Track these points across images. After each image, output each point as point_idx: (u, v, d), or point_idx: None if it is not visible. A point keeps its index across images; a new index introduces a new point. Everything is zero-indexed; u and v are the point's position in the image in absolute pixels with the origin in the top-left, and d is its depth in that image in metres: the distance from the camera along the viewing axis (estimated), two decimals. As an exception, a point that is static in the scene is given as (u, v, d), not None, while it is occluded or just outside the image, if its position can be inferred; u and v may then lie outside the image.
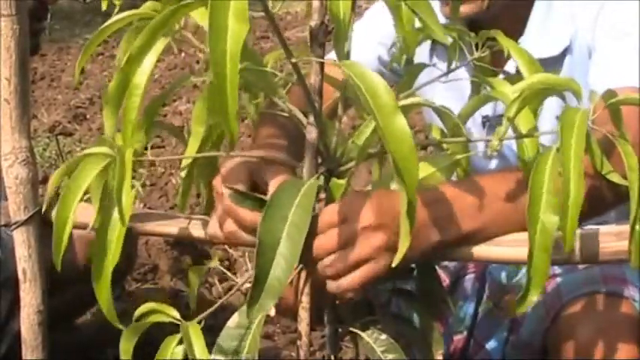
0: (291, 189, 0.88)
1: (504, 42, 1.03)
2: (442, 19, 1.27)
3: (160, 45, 0.86)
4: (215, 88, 0.73)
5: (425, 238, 0.96)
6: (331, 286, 0.94)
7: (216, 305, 0.98)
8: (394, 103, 0.79)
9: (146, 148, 1.00)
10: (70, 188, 0.94)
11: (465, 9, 1.29)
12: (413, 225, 0.83)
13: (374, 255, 0.93)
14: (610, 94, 0.90)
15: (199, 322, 0.93)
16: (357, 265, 0.93)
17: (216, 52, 0.72)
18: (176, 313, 0.94)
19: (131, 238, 1.64)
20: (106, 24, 0.93)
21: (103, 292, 0.94)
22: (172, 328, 0.95)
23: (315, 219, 0.93)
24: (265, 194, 1.00)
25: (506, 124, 0.90)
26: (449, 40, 0.91)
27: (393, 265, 0.87)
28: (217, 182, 1.05)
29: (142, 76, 0.85)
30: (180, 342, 0.92)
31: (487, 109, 1.39)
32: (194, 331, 0.91)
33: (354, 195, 0.96)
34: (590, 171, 0.95)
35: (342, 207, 0.94)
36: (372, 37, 1.48)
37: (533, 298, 0.89)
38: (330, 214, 0.94)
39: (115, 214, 0.91)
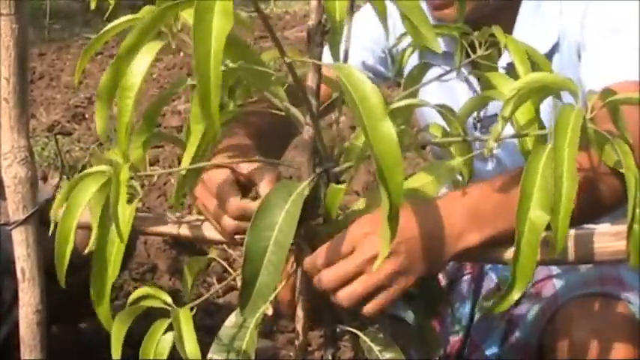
0: (280, 195, 0.89)
1: (503, 39, 1.02)
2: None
3: (154, 46, 0.86)
4: (198, 86, 0.73)
5: (438, 249, 0.97)
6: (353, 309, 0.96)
7: (212, 292, 0.98)
8: (383, 108, 0.79)
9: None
10: (70, 207, 0.95)
11: (452, 11, 1.28)
12: (395, 232, 0.82)
13: (387, 282, 0.94)
14: (608, 92, 0.90)
15: (192, 309, 0.93)
16: (373, 292, 0.95)
17: (199, 49, 0.72)
18: (169, 299, 0.94)
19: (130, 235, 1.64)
20: (107, 28, 0.93)
21: (103, 306, 0.94)
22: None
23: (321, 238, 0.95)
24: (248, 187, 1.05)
25: (502, 123, 0.90)
26: (441, 48, 0.91)
27: (374, 268, 0.87)
28: (200, 192, 1.08)
29: (135, 78, 0.85)
30: (169, 329, 0.91)
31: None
32: (184, 317, 0.90)
33: (361, 222, 0.96)
34: (588, 171, 0.95)
35: (350, 236, 0.95)
36: (356, 42, 1.47)
37: (515, 296, 0.89)
38: (338, 244, 0.95)
39: (113, 230, 0.92)
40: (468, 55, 1.06)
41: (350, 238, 0.95)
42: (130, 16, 0.90)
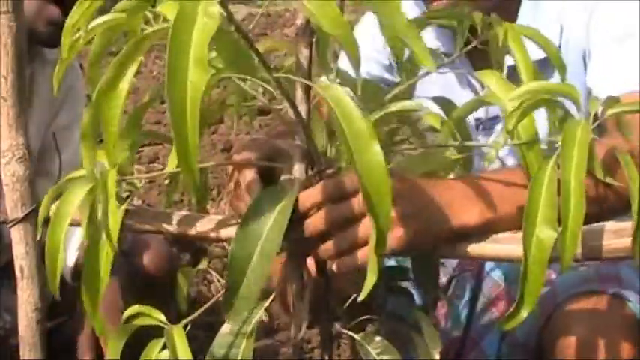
0: (268, 202, 0.88)
1: (504, 27, 1.00)
2: None
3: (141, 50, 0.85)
4: (177, 144, 0.70)
5: (436, 223, 0.95)
6: (339, 264, 0.93)
7: (205, 306, 0.98)
8: (370, 132, 0.76)
9: (138, 152, 1.01)
10: (59, 214, 0.96)
11: (447, 1, 1.28)
12: (381, 262, 0.81)
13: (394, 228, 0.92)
14: (612, 100, 0.89)
15: (185, 327, 0.92)
16: (359, 245, 0.93)
17: (175, 103, 0.69)
18: (162, 317, 0.94)
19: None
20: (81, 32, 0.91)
21: (96, 313, 0.95)
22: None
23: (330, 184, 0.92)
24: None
25: (506, 137, 0.89)
26: (440, 50, 0.90)
27: (360, 298, 0.84)
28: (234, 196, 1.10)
29: (121, 84, 0.83)
30: (165, 346, 0.91)
31: (480, 112, 1.39)
32: (178, 335, 0.90)
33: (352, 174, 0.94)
34: (595, 180, 0.95)
35: (342, 182, 0.93)
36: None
37: (524, 314, 0.88)
38: (342, 184, 0.92)
39: (102, 239, 0.93)
40: (468, 54, 1.05)
41: (353, 180, 0.92)
42: (107, 17, 0.88)
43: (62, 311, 1.55)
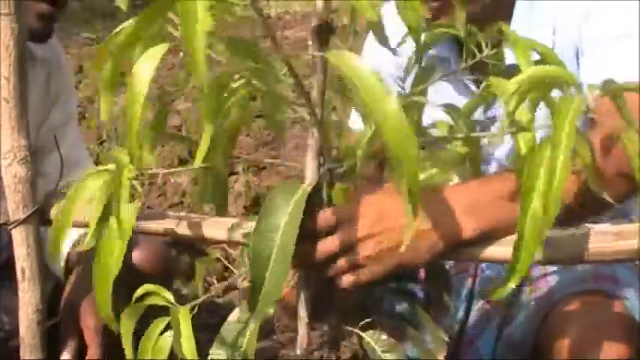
0: (283, 197, 0.89)
1: (512, 39, 1.01)
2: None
3: (159, 50, 0.86)
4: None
5: (430, 242, 0.96)
6: (339, 282, 0.97)
7: (212, 292, 0.98)
8: (383, 87, 0.78)
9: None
10: (72, 199, 0.97)
11: (446, 20, 1.28)
12: (417, 207, 0.81)
13: (376, 259, 0.95)
14: (609, 82, 0.89)
15: (192, 309, 0.93)
16: (359, 266, 0.96)
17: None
18: (171, 297, 0.94)
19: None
20: (114, 32, 0.92)
21: (106, 305, 0.95)
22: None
23: (313, 219, 0.95)
24: None
25: (507, 119, 0.89)
26: (438, 55, 0.91)
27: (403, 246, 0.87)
28: None
29: (142, 84, 0.85)
30: (168, 328, 0.92)
31: (476, 113, 1.39)
32: (183, 316, 0.91)
33: (356, 200, 0.97)
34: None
35: (344, 211, 0.95)
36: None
37: (512, 285, 0.88)
38: (331, 217, 0.95)
39: (114, 228, 0.94)
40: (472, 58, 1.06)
41: (344, 213, 0.96)
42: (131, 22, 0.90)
43: (57, 310, 1.54)
